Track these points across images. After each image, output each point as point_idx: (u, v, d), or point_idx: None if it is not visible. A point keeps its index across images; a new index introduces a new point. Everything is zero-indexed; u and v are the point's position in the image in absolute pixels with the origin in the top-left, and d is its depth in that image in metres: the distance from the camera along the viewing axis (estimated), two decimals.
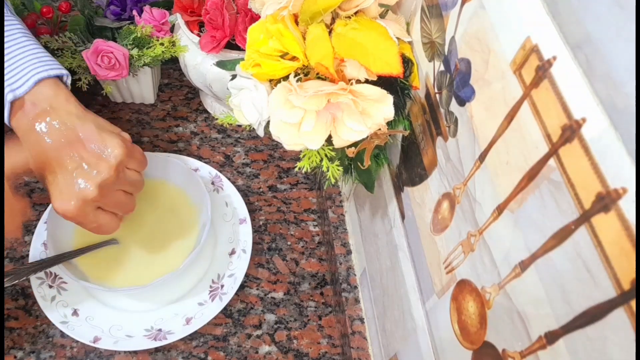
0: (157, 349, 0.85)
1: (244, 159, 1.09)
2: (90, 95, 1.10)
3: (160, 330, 0.84)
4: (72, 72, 0.97)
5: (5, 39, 0.72)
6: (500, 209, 0.44)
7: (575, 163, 0.34)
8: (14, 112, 0.70)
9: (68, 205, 0.68)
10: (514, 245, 0.42)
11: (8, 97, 0.69)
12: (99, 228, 0.74)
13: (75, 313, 0.84)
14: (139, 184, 0.77)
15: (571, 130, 0.35)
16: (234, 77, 0.67)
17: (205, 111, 1.15)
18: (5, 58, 0.71)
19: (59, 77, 0.74)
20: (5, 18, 0.74)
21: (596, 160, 0.32)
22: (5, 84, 0.69)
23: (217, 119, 0.77)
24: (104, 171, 0.70)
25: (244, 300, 0.91)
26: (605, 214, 0.32)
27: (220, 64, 0.84)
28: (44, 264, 0.79)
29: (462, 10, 0.50)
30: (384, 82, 0.59)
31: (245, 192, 1.04)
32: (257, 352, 0.87)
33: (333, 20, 0.62)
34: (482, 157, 0.47)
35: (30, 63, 0.71)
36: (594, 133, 0.33)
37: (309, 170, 0.66)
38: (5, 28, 0.73)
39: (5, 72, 0.70)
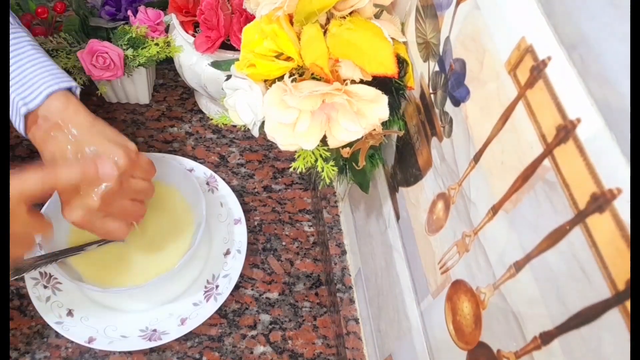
0: (152, 350, 0.85)
1: (238, 159, 1.09)
2: (85, 95, 1.09)
3: (155, 330, 0.83)
4: (67, 72, 0.97)
5: (15, 52, 0.75)
6: (495, 209, 0.44)
7: (570, 163, 0.35)
8: (29, 126, 0.74)
9: (75, 216, 0.70)
10: (509, 245, 0.42)
11: (22, 111, 0.72)
12: (107, 234, 0.75)
13: (70, 313, 0.83)
14: (147, 191, 0.79)
15: (566, 131, 0.35)
16: (228, 77, 0.67)
17: (200, 111, 1.15)
18: (17, 72, 0.73)
19: (69, 89, 0.76)
20: (12, 30, 0.76)
21: (591, 161, 0.32)
22: (18, 97, 0.72)
23: (212, 119, 0.77)
24: (107, 182, 0.71)
25: (238, 300, 0.91)
26: (600, 214, 0.32)
27: (215, 64, 0.84)
28: (47, 259, 0.78)
29: (456, 10, 0.50)
30: (379, 82, 0.59)
31: (240, 193, 1.04)
32: (252, 353, 0.86)
33: (328, 20, 0.62)
34: (476, 158, 0.47)
35: (41, 77, 0.74)
36: (589, 133, 0.33)
37: (304, 170, 0.66)
38: (14, 40, 0.75)
39: (18, 85, 0.73)
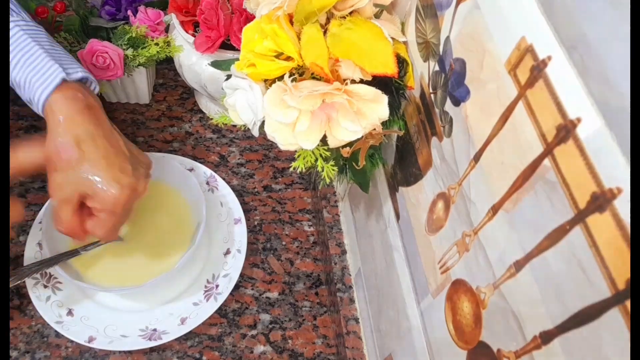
0: (152, 349, 0.85)
1: (238, 159, 1.09)
2: None
3: (155, 330, 0.84)
4: None
5: (50, 39, 0.76)
6: (495, 209, 0.44)
7: (570, 163, 0.35)
8: (59, 91, 0.70)
9: (125, 190, 0.70)
10: (509, 245, 0.42)
11: (61, 75, 0.70)
12: (114, 228, 0.74)
13: (70, 313, 0.84)
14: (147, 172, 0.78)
15: (566, 130, 0.35)
16: (228, 77, 0.67)
17: (200, 111, 1.15)
18: (54, 50, 0.74)
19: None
20: (35, 26, 0.76)
21: (591, 160, 0.32)
22: (56, 64, 0.71)
23: (212, 119, 0.77)
24: (147, 171, 0.74)
25: (238, 300, 0.91)
26: (600, 214, 0.32)
27: (215, 64, 0.84)
28: (46, 263, 0.79)
29: (457, 10, 0.50)
30: (379, 82, 0.59)
31: (240, 192, 1.04)
32: (252, 352, 0.86)
33: (328, 20, 0.62)
34: (477, 157, 0.47)
35: (76, 62, 0.75)
36: (589, 133, 0.33)
37: (304, 170, 0.66)
38: (39, 33, 0.75)
39: (56, 58, 0.72)
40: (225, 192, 0.99)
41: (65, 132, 0.69)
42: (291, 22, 0.61)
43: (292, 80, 0.59)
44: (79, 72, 0.73)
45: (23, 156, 0.69)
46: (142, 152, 0.76)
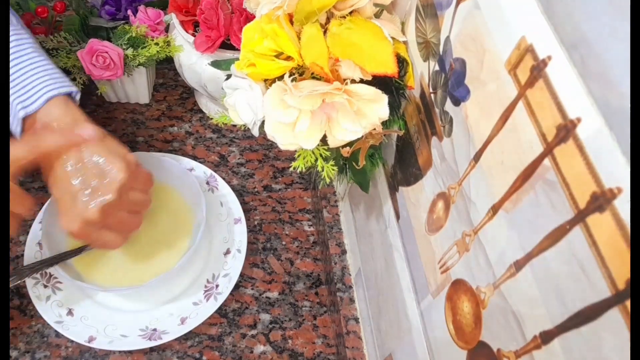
0: (152, 349, 0.85)
1: (238, 158, 1.09)
2: (85, 95, 1.09)
3: (155, 330, 0.84)
4: (67, 71, 0.97)
5: (17, 54, 0.74)
6: (495, 209, 0.44)
7: (570, 163, 0.35)
8: (26, 129, 0.72)
9: (73, 226, 0.70)
10: (509, 245, 0.42)
11: (20, 114, 0.71)
12: (103, 245, 0.75)
13: (70, 313, 0.84)
14: (145, 203, 0.79)
15: (566, 130, 0.35)
16: (228, 77, 0.67)
17: (200, 111, 1.15)
18: (18, 73, 0.72)
19: (69, 94, 0.76)
20: (15, 32, 0.76)
21: (591, 160, 0.32)
22: (18, 100, 0.71)
23: (212, 118, 0.77)
24: (107, 194, 0.70)
25: (238, 300, 0.91)
26: (600, 213, 0.32)
27: (215, 64, 0.84)
28: (46, 263, 0.79)
29: (457, 10, 0.50)
30: (379, 81, 0.59)
31: (240, 192, 1.04)
32: (252, 352, 0.86)
33: (328, 20, 0.62)
34: (477, 157, 0.47)
35: (41, 80, 0.73)
36: (589, 133, 0.33)
37: (304, 170, 0.66)
38: (16, 42, 0.75)
39: (18, 87, 0.72)
40: (225, 192, 0.99)
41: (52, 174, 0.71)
42: (291, 22, 0.61)
43: (292, 80, 0.59)
44: (41, 98, 0.72)
45: (16, 153, 0.69)
46: (118, 166, 0.73)
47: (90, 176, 0.70)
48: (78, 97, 0.77)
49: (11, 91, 0.71)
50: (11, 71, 0.72)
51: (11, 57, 0.73)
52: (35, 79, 0.73)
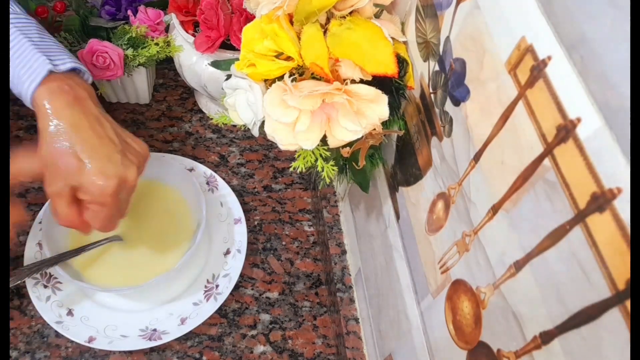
0: (152, 349, 0.85)
1: (238, 159, 1.09)
2: None
3: (155, 330, 0.84)
4: None
5: (41, 31, 0.75)
6: (495, 209, 0.44)
7: (570, 163, 0.35)
8: (45, 83, 0.70)
9: (110, 181, 0.68)
10: (509, 245, 0.42)
11: (47, 67, 0.70)
12: (109, 219, 0.73)
13: (70, 313, 0.84)
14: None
15: (566, 130, 0.35)
16: (228, 77, 0.67)
17: (200, 111, 1.15)
18: (42, 42, 0.73)
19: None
20: (31, 19, 0.76)
21: (591, 160, 0.32)
22: (44, 56, 0.71)
23: (212, 119, 0.77)
24: (141, 163, 0.73)
25: (238, 300, 0.91)
26: (600, 213, 0.32)
27: (215, 64, 0.84)
28: (46, 263, 0.79)
29: (457, 10, 0.50)
30: (379, 82, 0.59)
31: (240, 192, 1.04)
32: (252, 352, 0.86)
33: (328, 20, 0.62)
34: (477, 157, 0.47)
35: (66, 52, 0.75)
36: (589, 133, 0.33)
37: (304, 170, 0.66)
38: (36, 25, 0.76)
39: (44, 50, 0.72)
40: (225, 192, 0.99)
41: (51, 126, 0.69)
42: (291, 22, 0.61)
43: (292, 80, 0.59)
44: (67, 63, 0.72)
45: (21, 165, 0.69)
46: (140, 141, 0.75)
47: (124, 142, 0.73)
48: (90, 81, 0.78)
49: (35, 50, 0.71)
50: (37, 38, 0.73)
51: (36, 29, 0.75)
52: (61, 50, 0.74)
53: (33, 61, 0.70)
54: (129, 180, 0.70)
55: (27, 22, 0.74)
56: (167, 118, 1.13)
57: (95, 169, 0.68)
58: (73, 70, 0.74)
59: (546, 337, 0.38)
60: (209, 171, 1.01)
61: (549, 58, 0.37)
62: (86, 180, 0.68)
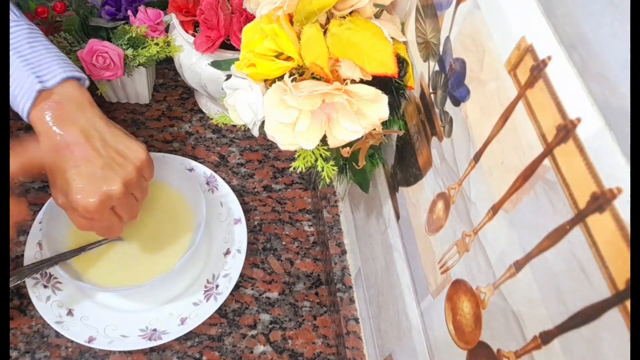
0: (152, 349, 0.85)
1: (238, 159, 1.09)
2: None
3: (155, 330, 0.84)
4: None
5: (32, 37, 0.74)
6: (495, 209, 0.44)
7: (570, 163, 0.35)
8: (37, 103, 0.71)
9: (91, 198, 0.69)
10: (509, 245, 0.42)
11: (36, 87, 0.70)
12: (107, 229, 0.76)
13: (70, 313, 0.84)
14: (146, 191, 0.79)
15: (566, 130, 0.35)
16: (228, 77, 0.67)
17: (200, 111, 1.15)
18: (33, 55, 0.73)
19: (79, 80, 0.76)
20: (26, 22, 0.76)
21: (591, 160, 0.32)
22: (33, 75, 0.71)
23: (212, 119, 0.77)
24: (130, 171, 0.72)
25: (238, 300, 0.91)
26: (600, 214, 0.32)
27: (215, 64, 0.84)
28: (46, 263, 0.79)
29: (456, 10, 0.50)
30: (379, 82, 0.59)
31: (240, 192, 1.04)
32: (252, 352, 0.86)
33: (328, 20, 0.62)
34: (477, 157, 0.47)
35: (57, 61, 0.74)
36: (589, 133, 0.33)
37: (304, 170, 0.66)
38: (29, 30, 0.75)
39: (33, 65, 0.72)
40: (225, 192, 0.99)
41: (42, 144, 0.70)
42: (291, 22, 0.61)
43: (292, 80, 0.59)
44: (57, 76, 0.72)
45: (22, 157, 0.70)
46: (137, 145, 0.75)
47: (112, 152, 0.72)
48: (87, 84, 0.78)
49: (25, 67, 0.71)
50: (27, 51, 0.73)
51: (26, 40, 0.74)
52: (51, 60, 0.73)
53: (24, 80, 0.71)
54: (113, 194, 0.70)
55: (17, 29, 0.74)
56: (167, 118, 1.13)
57: (76, 189, 0.69)
58: (67, 79, 0.73)
59: (546, 337, 0.38)
60: (209, 171, 1.01)
61: (549, 58, 0.37)
62: (72, 199, 0.70)
